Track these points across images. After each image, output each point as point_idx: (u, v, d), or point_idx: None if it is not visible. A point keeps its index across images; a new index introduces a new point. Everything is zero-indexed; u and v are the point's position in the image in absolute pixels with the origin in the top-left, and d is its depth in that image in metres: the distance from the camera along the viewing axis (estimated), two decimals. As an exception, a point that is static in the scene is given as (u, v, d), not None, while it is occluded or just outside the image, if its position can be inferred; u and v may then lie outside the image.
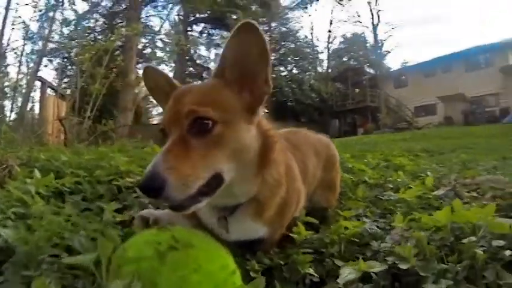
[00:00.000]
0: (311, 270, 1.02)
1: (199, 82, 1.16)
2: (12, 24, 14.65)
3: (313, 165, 1.61)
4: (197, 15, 26.82)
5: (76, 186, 1.81)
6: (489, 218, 1.07)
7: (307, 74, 35.33)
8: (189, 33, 24.54)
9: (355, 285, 0.90)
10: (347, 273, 0.91)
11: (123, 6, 22.34)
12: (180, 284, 0.67)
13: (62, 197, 1.65)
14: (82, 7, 22.42)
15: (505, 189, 1.78)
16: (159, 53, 21.24)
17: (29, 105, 12.42)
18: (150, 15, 24.03)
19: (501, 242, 1.01)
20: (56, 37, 19.32)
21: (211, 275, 0.71)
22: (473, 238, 1.02)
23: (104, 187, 1.85)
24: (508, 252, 0.97)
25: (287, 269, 1.04)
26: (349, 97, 31.74)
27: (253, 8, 27.59)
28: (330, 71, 37.16)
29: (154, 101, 1.29)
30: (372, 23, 34.69)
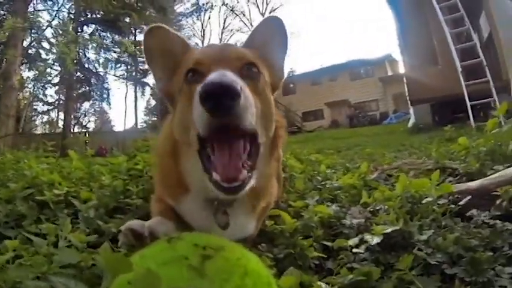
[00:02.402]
0: (315, 253, 1.03)
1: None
2: None
3: None
4: (88, 16, 24.44)
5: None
6: (435, 183, 1.33)
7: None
8: (79, 34, 21.98)
9: (354, 257, 0.97)
10: (370, 238, 0.99)
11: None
12: None
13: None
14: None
15: (420, 168, 2.14)
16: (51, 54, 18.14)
17: None
18: (38, 10, 20.77)
19: (445, 200, 1.36)
20: None
21: (258, 273, 0.59)
22: (430, 199, 1.29)
23: (24, 205, 1.46)
24: (453, 206, 1.31)
25: (299, 256, 1.02)
26: (238, 104, 32.75)
27: (149, 12, 26.54)
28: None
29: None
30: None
